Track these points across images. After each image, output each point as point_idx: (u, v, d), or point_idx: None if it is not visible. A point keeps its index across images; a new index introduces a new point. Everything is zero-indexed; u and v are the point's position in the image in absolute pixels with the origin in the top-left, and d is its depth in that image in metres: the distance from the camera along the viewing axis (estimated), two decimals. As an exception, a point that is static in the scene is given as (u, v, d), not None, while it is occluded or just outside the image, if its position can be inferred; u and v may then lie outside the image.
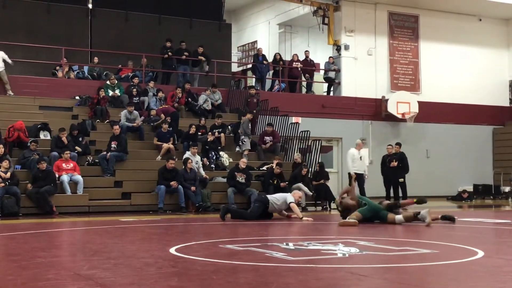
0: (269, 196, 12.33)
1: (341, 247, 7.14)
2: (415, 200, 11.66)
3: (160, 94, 18.59)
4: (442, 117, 23.31)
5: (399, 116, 22.14)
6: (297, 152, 17.41)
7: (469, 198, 21.53)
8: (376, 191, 17.38)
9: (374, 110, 22.40)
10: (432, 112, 22.90)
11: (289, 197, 12.14)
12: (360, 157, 17.09)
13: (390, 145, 17.59)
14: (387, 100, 22.25)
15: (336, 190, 19.06)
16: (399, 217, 10.72)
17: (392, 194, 17.14)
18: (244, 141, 17.76)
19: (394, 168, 16.92)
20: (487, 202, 21.20)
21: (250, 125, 18.17)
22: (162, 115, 17.42)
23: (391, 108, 22.06)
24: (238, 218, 11.89)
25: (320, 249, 6.99)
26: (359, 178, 16.78)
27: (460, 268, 5.86)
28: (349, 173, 17.09)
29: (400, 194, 17.04)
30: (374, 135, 22.12)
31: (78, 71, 19.80)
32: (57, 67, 19.46)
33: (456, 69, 24.10)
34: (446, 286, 4.86)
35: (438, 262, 6.10)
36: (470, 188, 22.46)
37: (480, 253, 6.62)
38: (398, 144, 17.49)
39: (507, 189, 22.19)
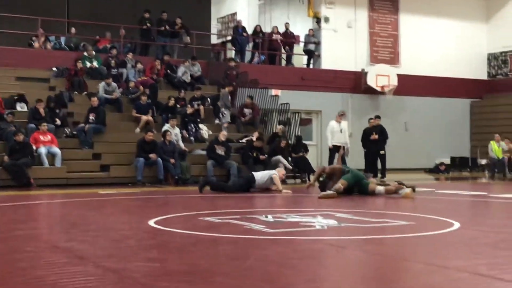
0: (255, 174, 12.39)
1: (320, 219, 7.19)
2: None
3: (139, 65, 18.39)
4: (421, 90, 23.41)
5: (378, 89, 22.20)
6: (279, 125, 17.35)
7: (446, 170, 21.80)
8: (356, 163, 17.50)
9: (354, 83, 22.43)
10: (411, 85, 22.98)
11: (273, 172, 12.36)
12: (340, 130, 17.17)
13: (372, 118, 17.73)
14: (366, 73, 22.29)
15: (315, 163, 19.13)
16: (380, 188, 10.80)
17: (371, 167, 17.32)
18: (225, 113, 17.71)
19: (375, 140, 17.12)
20: (464, 175, 21.47)
21: (230, 97, 18.11)
22: (141, 87, 17.28)
23: (371, 81, 22.10)
24: (217, 191, 11.92)
25: (299, 221, 7.04)
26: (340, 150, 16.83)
27: (437, 239, 5.93)
28: (330, 148, 17.01)
29: (379, 167, 17.22)
30: (354, 108, 22.18)
31: (55, 42, 19.50)
32: (34, 38, 19.13)
33: (435, 42, 24.17)
34: (422, 258, 4.92)
35: (415, 234, 6.17)
36: (447, 161, 22.71)
37: (456, 225, 6.71)
38: (378, 117, 17.62)
39: (483, 161, 22.48)
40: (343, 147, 16.39)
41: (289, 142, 16.82)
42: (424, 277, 4.17)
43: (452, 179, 19.02)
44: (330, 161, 16.79)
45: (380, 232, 6.48)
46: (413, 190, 10.84)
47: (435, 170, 21.94)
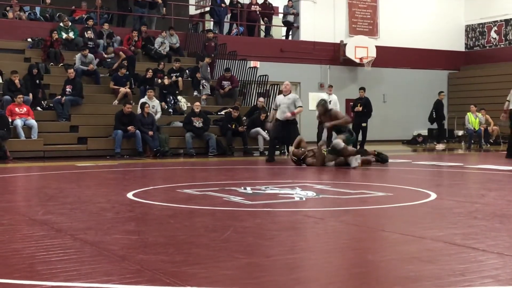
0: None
1: (298, 191, 7.22)
2: (376, 153, 11.63)
3: (103, 39, 18.10)
4: (399, 61, 23.48)
5: (357, 60, 22.22)
6: (259, 97, 17.29)
7: (423, 142, 21.97)
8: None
9: (333, 54, 22.41)
10: (389, 57, 23.03)
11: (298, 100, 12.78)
12: (330, 101, 17.18)
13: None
14: (345, 44, 22.27)
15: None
16: (337, 141, 10.96)
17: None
18: (205, 85, 17.63)
19: (359, 112, 17.37)
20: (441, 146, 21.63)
21: (209, 69, 18.01)
22: (121, 53, 17.11)
23: (349, 53, 22.10)
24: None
25: (278, 193, 7.06)
26: None
27: (414, 210, 5.99)
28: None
29: (360, 139, 17.38)
30: (332, 79, 22.19)
31: (29, 12, 19.16)
32: (7, 8, 18.78)
33: (413, 14, 24.18)
34: (399, 228, 4.97)
35: (393, 205, 6.23)
36: (424, 132, 22.89)
37: (433, 196, 6.78)
38: (363, 89, 17.81)
39: (460, 133, 22.69)
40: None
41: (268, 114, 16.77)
42: (400, 246, 4.22)
43: (429, 151, 19.18)
44: (319, 132, 16.70)
45: (358, 203, 6.52)
46: (377, 155, 11.20)
47: (412, 142, 22.11)
